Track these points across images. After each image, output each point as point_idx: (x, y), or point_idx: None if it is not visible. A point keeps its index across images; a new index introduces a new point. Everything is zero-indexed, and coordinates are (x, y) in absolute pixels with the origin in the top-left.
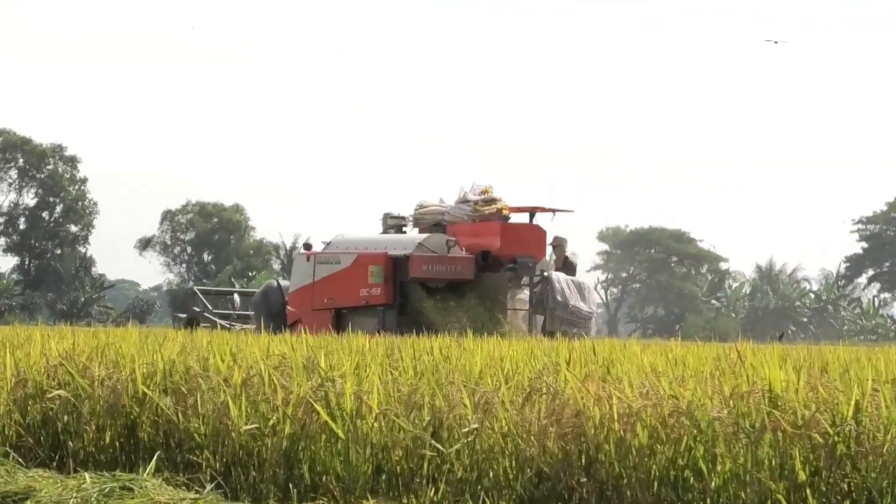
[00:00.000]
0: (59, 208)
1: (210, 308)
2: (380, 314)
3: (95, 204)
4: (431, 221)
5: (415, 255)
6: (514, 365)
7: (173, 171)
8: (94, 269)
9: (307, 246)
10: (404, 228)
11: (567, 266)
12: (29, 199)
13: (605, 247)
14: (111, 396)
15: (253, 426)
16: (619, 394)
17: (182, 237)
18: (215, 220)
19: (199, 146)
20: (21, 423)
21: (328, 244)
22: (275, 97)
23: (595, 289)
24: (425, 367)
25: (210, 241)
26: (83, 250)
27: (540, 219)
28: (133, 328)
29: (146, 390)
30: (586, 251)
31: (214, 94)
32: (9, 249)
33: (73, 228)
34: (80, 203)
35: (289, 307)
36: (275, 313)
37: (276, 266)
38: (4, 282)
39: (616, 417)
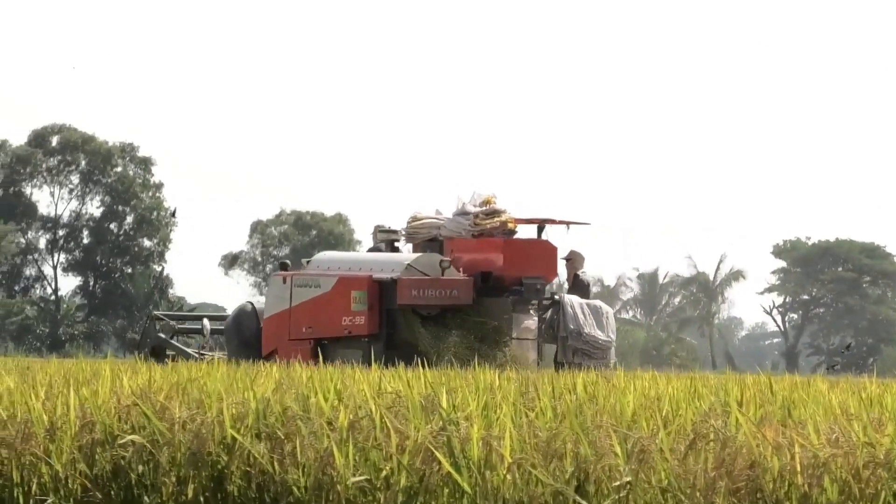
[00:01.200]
0: (129, 219)
1: (173, 331)
2: (365, 346)
3: (173, 214)
4: (426, 236)
5: (403, 279)
6: (673, 405)
7: (264, 176)
8: (171, 290)
9: (283, 265)
10: (397, 244)
11: (577, 285)
12: (94, 207)
13: (782, 264)
14: (194, 442)
15: (362, 478)
16: (802, 441)
17: (275, 252)
18: (314, 232)
19: (294, 146)
20: (88, 475)
21: (307, 263)
22: (380, 94)
23: (771, 312)
24: (567, 407)
25: (308, 256)
26: (158, 269)
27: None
28: (220, 361)
29: (236, 435)
30: (759, 268)
31: (311, 89)
32: (70, 268)
33: (147, 243)
34: (154, 213)
35: (264, 335)
36: (249, 341)
37: None
38: (65, 306)
39: (799, 469)
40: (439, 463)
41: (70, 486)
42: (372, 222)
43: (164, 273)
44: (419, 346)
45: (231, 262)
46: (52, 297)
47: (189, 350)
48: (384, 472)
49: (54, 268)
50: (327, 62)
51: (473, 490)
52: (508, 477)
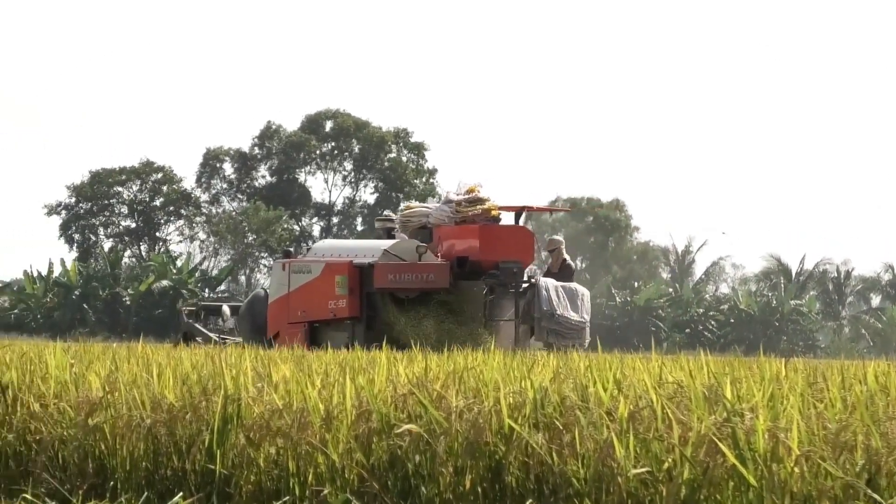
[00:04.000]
0: (402, 205)
1: (202, 320)
2: (349, 328)
3: None
4: (417, 225)
5: (380, 264)
6: None
7: (537, 161)
8: None
9: (286, 253)
10: (393, 232)
11: (564, 270)
12: (367, 194)
13: None
14: (471, 432)
15: (643, 470)
16: None
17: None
18: (589, 218)
19: (569, 129)
20: (364, 465)
21: (308, 250)
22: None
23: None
24: (857, 398)
25: (584, 244)
26: None
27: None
28: (495, 351)
29: (513, 424)
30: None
31: (590, 75)
32: None
33: None
34: (429, 199)
35: (269, 319)
36: (259, 325)
37: (665, 275)
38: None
39: None
40: (723, 455)
41: (346, 476)
42: (651, 210)
43: None
44: (395, 329)
45: None
46: None
47: (213, 335)
48: (666, 465)
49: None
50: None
51: (759, 483)
52: (796, 470)
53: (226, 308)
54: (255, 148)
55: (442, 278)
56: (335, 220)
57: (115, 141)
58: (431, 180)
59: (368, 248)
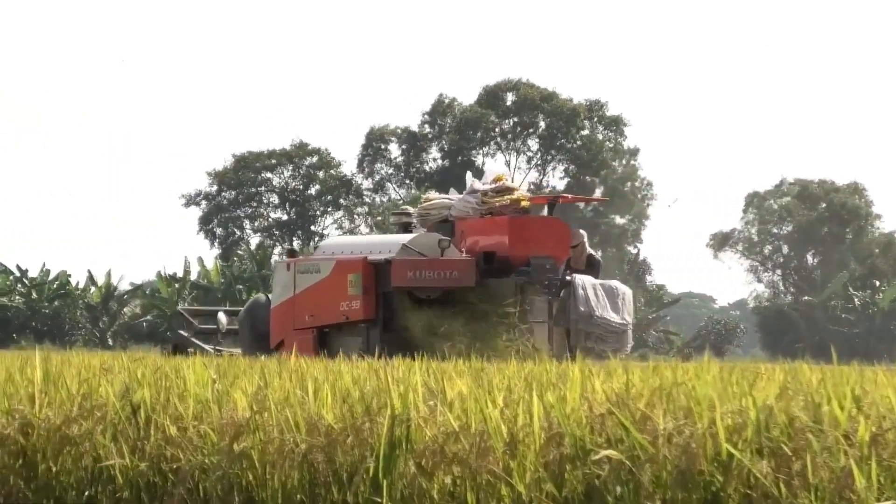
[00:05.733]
0: (598, 192)
1: (196, 329)
2: (364, 332)
3: (650, 185)
4: (437, 218)
5: (397, 260)
6: None
7: (761, 140)
8: (648, 277)
9: (291, 252)
10: (411, 227)
11: (591, 266)
12: (556, 178)
13: None
14: (682, 459)
15: (889, 502)
16: None
17: (776, 231)
18: (822, 205)
19: (792, 102)
20: (555, 497)
21: (316, 248)
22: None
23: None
24: None
25: (815, 235)
26: (633, 251)
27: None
28: (710, 361)
29: (732, 450)
30: None
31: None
32: None
33: (620, 220)
34: (628, 184)
35: (271, 326)
36: (260, 333)
37: None
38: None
39: None
40: None
41: None
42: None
43: (641, 257)
44: (414, 333)
45: (721, 242)
46: None
47: (207, 346)
48: None
49: None
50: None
51: None
52: None
53: (222, 315)
54: (426, 126)
55: (467, 276)
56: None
57: (263, 120)
58: (633, 162)
59: (383, 244)
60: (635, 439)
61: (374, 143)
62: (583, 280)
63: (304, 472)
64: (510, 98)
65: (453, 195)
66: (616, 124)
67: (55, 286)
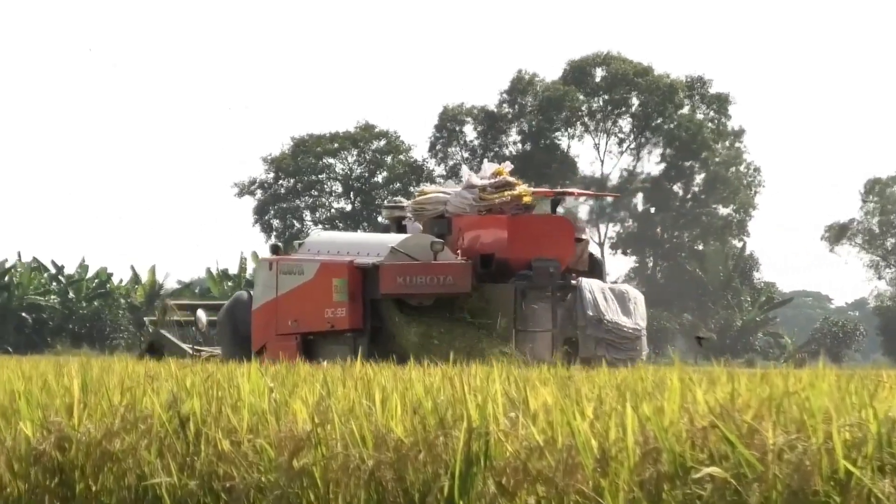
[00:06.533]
0: (699, 178)
1: (176, 329)
2: (350, 342)
3: (757, 171)
4: (433, 213)
5: (386, 265)
6: None
7: (882, 126)
8: (756, 273)
9: (274, 248)
10: (404, 222)
11: (594, 269)
12: (651, 163)
13: None
14: (794, 477)
15: None
16: None
17: None
18: None
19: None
20: None
21: (300, 246)
22: None
23: None
24: None
25: None
26: (739, 244)
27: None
28: (825, 367)
29: (851, 468)
30: None
31: None
32: (621, 244)
33: (723, 210)
34: (732, 169)
35: (253, 328)
36: (242, 335)
37: None
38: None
39: None
40: None
41: None
42: None
43: (747, 251)
44: (405, 343)
45: (838, 234)
46: None
47: (184, 346)
48: None
49: (601, 244)
50: None
51: None
52: None
53: (201, 313)
54: (504, 105)
55: (462, 281)
56: (609, 197)
57: (325, 100)
58: (737, 144)
59: (373, 244)
60: (742, 455)
61: (448, 124)
62: (590, 283)
63: (370, 492)
64: (599, 74)
65: (450, 188)
66: (719, 102)
67: (94, 284)
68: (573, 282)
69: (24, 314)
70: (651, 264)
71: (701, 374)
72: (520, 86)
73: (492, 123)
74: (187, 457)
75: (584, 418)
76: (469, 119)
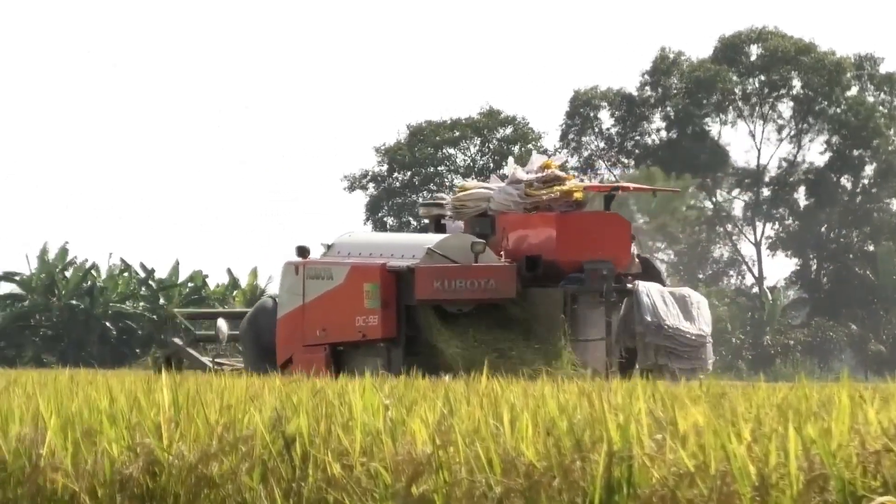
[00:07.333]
0: (869, 169)
1: (194, 338)
2: (384, 353)
3: None
4: (475, 210)
5: (422, 267)
6: None
7: None
8: None
9: (302, 251)
10: (444, 221)
11: (648, 271)
12: (815, 153)
13: None
14: None
15: None
16: None
17: None
18: None
19: None
20: None
21: (329, 248)
22: None
23: None
24: None
25: None
26: None
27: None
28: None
29: None
30: None
31: None
32: (781, 244)
33: None
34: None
35: (278, 338)
36: (265, 346)
37: None
38: (772, 303)
39: None
40: None
41: None
42: None
43: None
44: (445, 354)
45: None
46: (755, 290)
47: (204, 359)
48: None
49: (757, 244)
50: None
51: None
52: None
53: (222, 322)
54: (646, 88)
55: (506, 285)
56: (766, 191)
57: (444, 83)
58: None
59: (409, 245)
60: None
61: (581, 109)
62: (647, 287)
63: None
64: (755, 51)
65: (494, 183)
66: (891, 84)
67: (188, 289)
68: (629, 285)
69: (108, 323)
70: (814, 267)
71: (873, 392)
72: (663, 66)
73: (631, 108)
74: (293, 482)
75: (740, 441)
76: (604, 104)
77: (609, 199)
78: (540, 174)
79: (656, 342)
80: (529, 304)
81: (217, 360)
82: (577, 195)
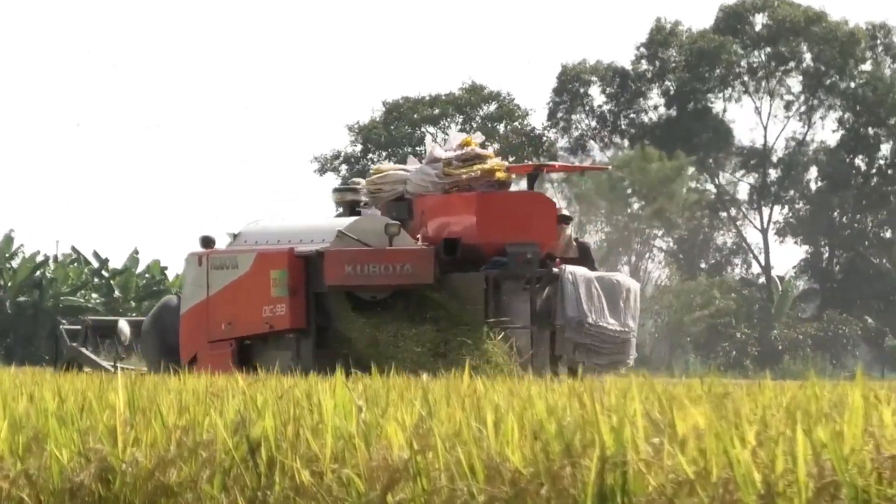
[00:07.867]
0: (885, 149)
1: (88, 340)
2: (294, 345)
3: None
4: (392, 194)
5: (332, 251)
6: None
7: None
8: None
9: (207, 241)
10: (358, 207)
11: (582, 255)
12: (826, 131)
13: None
14: None
15: None
16: None
17: None
18: None
19: None
20: None
21: (236, 237)
22: None
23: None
24: None
25: None
26: None
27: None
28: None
29: None
30: None
31: None
32: (790, 231)
33: None
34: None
35: (181, 335)
36: (170, 345)
37: None
38: (782, 293)
39: None
40: None
41: None
42: None
43: None
44: (356, 345)
45: None
46: (761, 280)
47: (103, 362)
48: None
49: (763, 231)
50: None
51: None
52: None
53: (123, 324)
54: (642, 62)
55: (423, 270)
56: (773, 172)
57: (423, 56)
58: None
59: (319, 230)
60: None
61: (571, 85)
62: (573, 273)
63: None
64: (760, 21)
65: (411, 165)
66: None
67: (145, 280)
68: (555, 270)
69: (59, 318)
70: (826, 255)
71: (889, 391)
72: (659, 37)
73: (625, 84)
74: (258, 490)
75: (744, 445)
76: (596, 79)
77: (533, 179)
78: (459, 152)
79: (575, 339)
80: (449, 291)
81: (116, 363)
82: (500, 174)
